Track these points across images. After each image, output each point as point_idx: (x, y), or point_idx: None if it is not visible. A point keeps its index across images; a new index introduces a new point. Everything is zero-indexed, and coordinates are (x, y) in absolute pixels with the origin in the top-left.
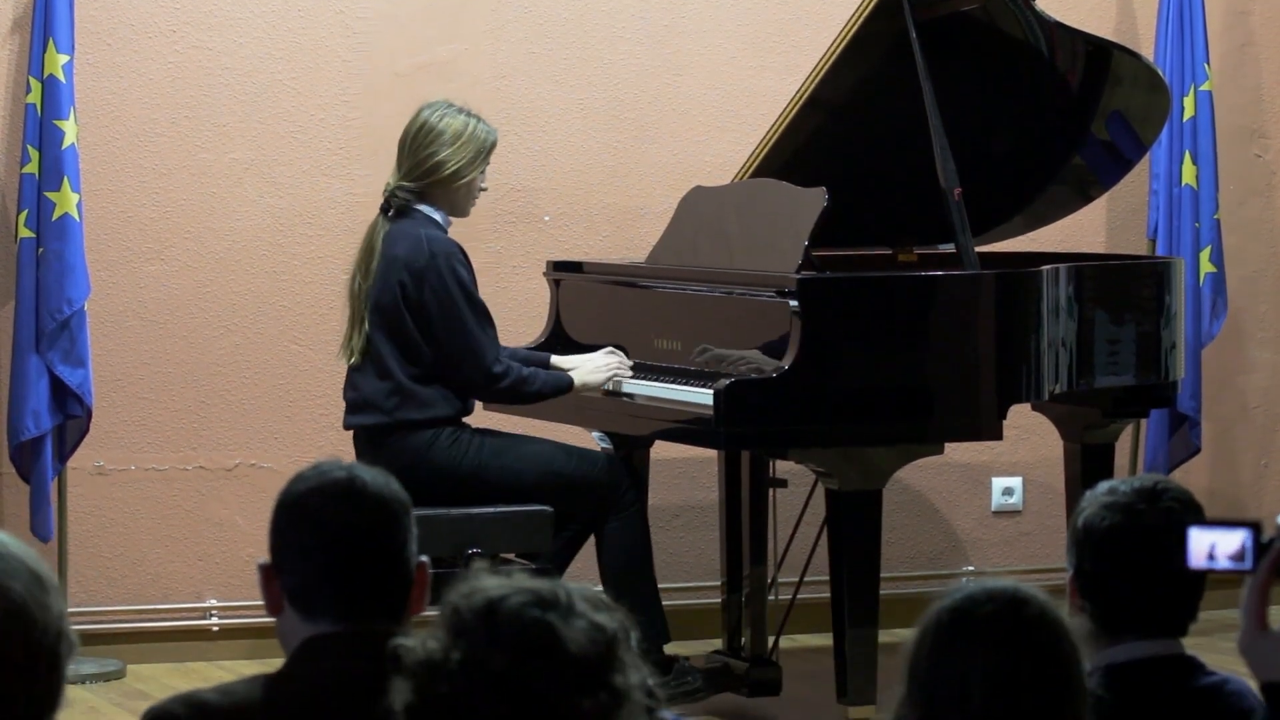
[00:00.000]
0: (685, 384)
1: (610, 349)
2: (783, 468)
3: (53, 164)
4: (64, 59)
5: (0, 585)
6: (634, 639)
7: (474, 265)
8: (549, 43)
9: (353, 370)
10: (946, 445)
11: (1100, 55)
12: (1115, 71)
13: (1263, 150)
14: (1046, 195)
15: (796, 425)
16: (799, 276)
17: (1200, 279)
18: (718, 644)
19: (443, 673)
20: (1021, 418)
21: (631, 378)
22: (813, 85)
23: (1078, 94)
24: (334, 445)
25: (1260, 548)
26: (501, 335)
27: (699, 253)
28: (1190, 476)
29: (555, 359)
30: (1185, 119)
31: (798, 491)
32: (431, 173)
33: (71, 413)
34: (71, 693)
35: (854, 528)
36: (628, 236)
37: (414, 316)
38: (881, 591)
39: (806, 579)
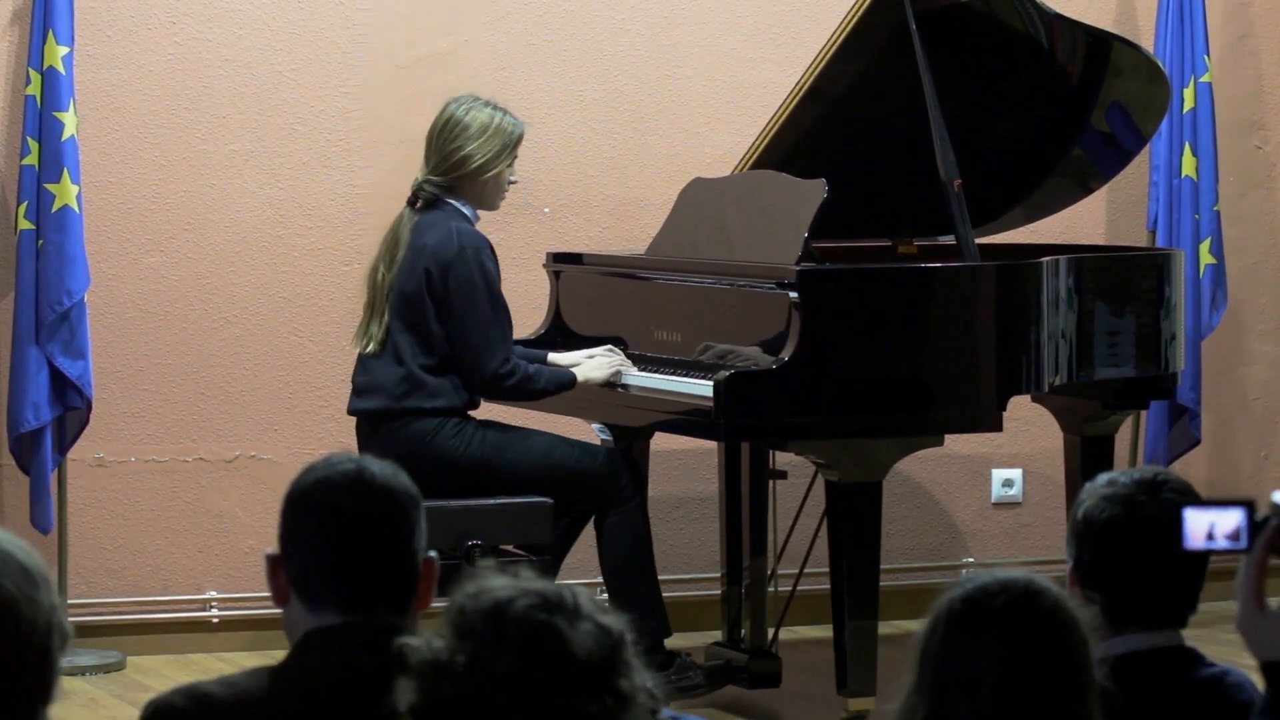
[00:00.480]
0: (685, 375)
1: (609, 347)
2: (782, 459)
3: (52, 156)
4: (64, 51)
5: None
6: (630, 640)
7: None
8: (548, 34)
9: (367, 357)
10: (946, 437)
11: (1100, 46)
12: (1115, 63)
13: (1263, 142)
14: (1046, 187)
15: (796, 417)
16: (799, 268)
17: (1200, 271)
18: (717, 636)
19: (448, 674)
20: (1021, 409)
21: (631, 370)
22: (813, 77)
23: (1077, 85)
24: (334, 436)
25: (1255, 526)
26: None
27: (699, 244)
28: (1190, 468)
29: (552, 356)
30: (1185, 110)
31: (797, 483)
32: (458, 166)
33: (71, 404)
34: (71, 684)
35: (854, 519)
36: (627, 228)
37: (436, 306)
38: (881, 583)
39: (806, 571)
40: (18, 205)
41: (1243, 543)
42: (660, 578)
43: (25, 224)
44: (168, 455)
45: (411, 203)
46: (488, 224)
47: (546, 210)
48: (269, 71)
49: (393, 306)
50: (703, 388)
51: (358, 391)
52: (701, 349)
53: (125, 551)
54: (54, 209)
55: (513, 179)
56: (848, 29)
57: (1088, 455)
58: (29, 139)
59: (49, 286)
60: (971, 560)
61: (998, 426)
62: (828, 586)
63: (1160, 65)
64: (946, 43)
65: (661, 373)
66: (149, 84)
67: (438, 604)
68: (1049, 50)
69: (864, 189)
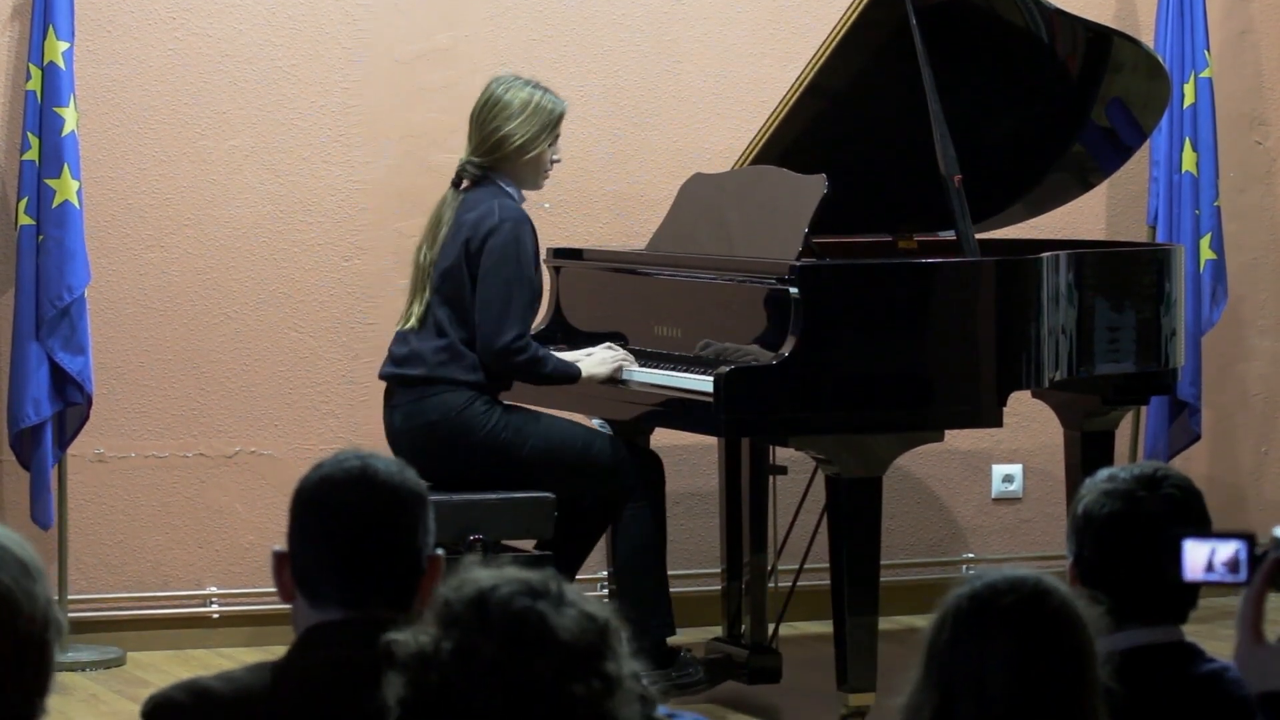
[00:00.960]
0: (685, 371)
1: (609, 344)
2: (783, 455)
3: (53, 151)
4: (64, 46)
5: None
6: (625, 638)
7: None
8: (549, 29)
9: (407, 332)
10: (947, 432)
11: (1100, 42)
12: (1115, 58)
13: (1263, 137)
14: (1047, 182)
15: (796, 412)
16: (799, 263)
17: (1200, 266)
18: (718, 631)
19: (434, 664)
20: (1022, 405)
21: (632, 366)
22: (813, 72)
23: (1078, 81)
24: (334, 432)
25: (1254, 559)
26: None
27: (699, 240)
28: (1190, 464)
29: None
30: (1185, 106)
31: (798, 479)
32: (499, 146)
33: (71, 400)
34: (71, 680)
35: (854, 515)
36: (628, 223)
37: (472, 278)
38: (881, 579)
39: (806, 566)
40: (18, 200)
41: (1242, 575)
42: None
43: (25, 219)
44: (168, 451)
45: (456, 183)
46: None
47: (547, 206)
48: (269, 67)
49: (434, 283)
50: (703, 383)
51: (395, 360)
52: (702, 344)
53: (125, 547)
54: (54, 204)
55: (556, 158)
56: (848, 24)
57: (1088, 451)
58: (29, 134)
59: (49, 282)
60: (972, 556)
61: (998, 422)
62: (828, 582)
63: (1160, 61)
64: (946, 38)
65: (662, 368)
66: (149, 79)
67: None
68: (1049, 46)
69: (864, 184)
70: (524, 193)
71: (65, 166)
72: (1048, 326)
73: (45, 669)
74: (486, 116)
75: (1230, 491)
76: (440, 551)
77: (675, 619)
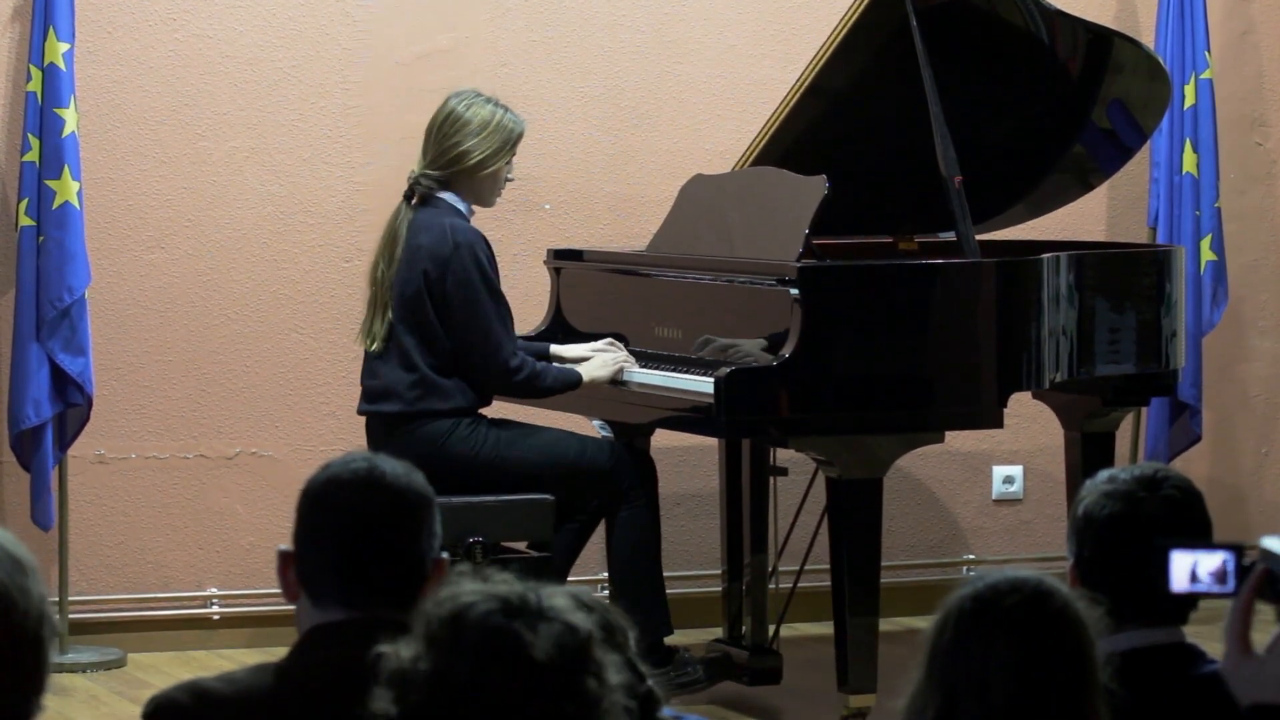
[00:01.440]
0: (686, 372)
1: (609, 340)
2: (783, 456)
3: (53, 152)
4: (64, 47)
5: None
6: (632, 638)
7: None
8: (549, 30)
9: (374, 358)
10: (947, 433)
11: (1101, 43)
12: (1116, 59)
13: (1263, 138)
14: (1047, 183)
15: (797, 413)
16: (799, 265)
17: (1201, 267)
18: (718, 632)
19: (414, 683)
20: (1022, 406)
21: (633, 367)
22: (813, 73)
23: (1078, 82)
24: (335, 433)
25: (1242, 570)
26: None
27: (699, 241)
28: (1191, 465)
29: (554, 348)
30: (1186, 107)
31: (798, 480)
32: (456, 161)
33: (72, 401)
34: (72, 681)
35: (854, 516)
36: (628, 224)
37: (436, 307)
38: (882, 580)
39: (807, 567)
40: (18, 202)
41: (1229, 586)
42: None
43: (26, 220)
44: (168, 452)
45: (408, 197)
46: (489, 220)
47: (547, 207)
48: (269, 68)
49: (395, 307)
50: (703, 384)
51: (368, 395)
52: (702, 345)
53: (126, 548)
54: (55, 205)
55: (510, 176)
56: (848, 25)
57: (1088, 452)
58: (30, 135)
59: (50, 283)
60: (972, 557)
61: (998, 423)
62: (828, 583)
63: (1161, 62)
64: (947, 39)
65: (662, 369)
66: (150, 80)
67: None
68: (1050, 47)
69: (865, 185)
70: (475, 209)
71: (66, 168)
72: (1048, 327)
73: (41, 666)
74: (446, 131)
75: (1230, 493)
76: (445, 555)
77: (676, 620)
